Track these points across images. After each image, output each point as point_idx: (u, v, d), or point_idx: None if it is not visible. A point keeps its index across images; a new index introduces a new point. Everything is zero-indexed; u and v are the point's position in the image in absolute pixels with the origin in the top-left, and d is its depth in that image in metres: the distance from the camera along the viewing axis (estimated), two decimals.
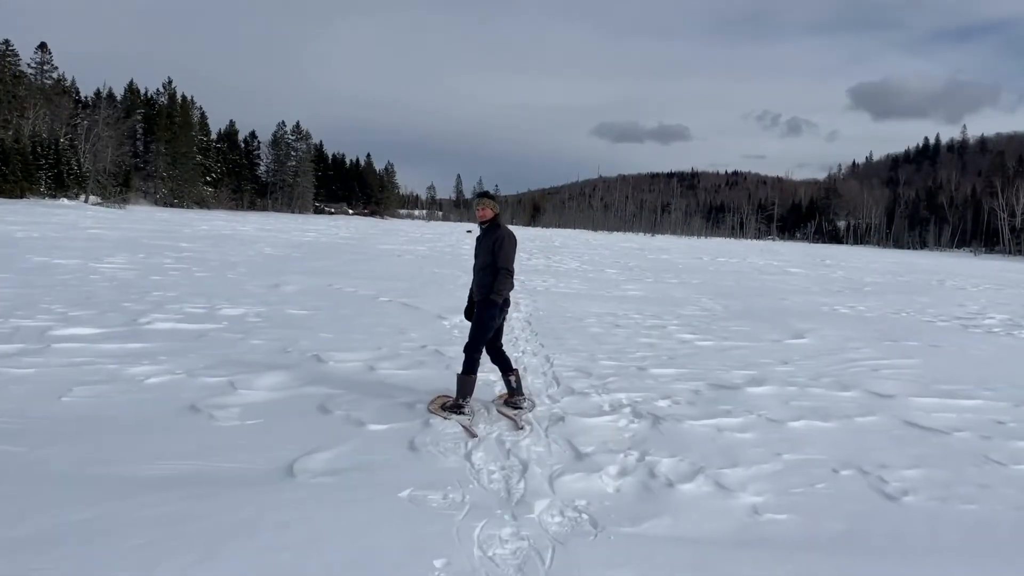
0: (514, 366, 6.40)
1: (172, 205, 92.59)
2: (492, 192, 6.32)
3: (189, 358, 6.90)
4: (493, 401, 6.09)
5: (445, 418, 5.46)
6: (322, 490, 3.91)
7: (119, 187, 79.42)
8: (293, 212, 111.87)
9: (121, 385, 5.81)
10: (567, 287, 17.79)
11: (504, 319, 5.88)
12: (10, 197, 66.42)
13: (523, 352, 8.39)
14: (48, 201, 69.28)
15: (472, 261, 5.92)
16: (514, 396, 5.90)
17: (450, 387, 6.05)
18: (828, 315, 14.44)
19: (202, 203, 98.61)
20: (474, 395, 5.74)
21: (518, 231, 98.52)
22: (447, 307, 11.52)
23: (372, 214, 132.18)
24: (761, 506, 4.14)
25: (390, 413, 5.51)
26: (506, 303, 5.75)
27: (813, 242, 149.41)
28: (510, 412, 5.72)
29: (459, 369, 5.72)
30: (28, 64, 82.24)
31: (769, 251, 65.05)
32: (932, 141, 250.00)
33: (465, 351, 5.68)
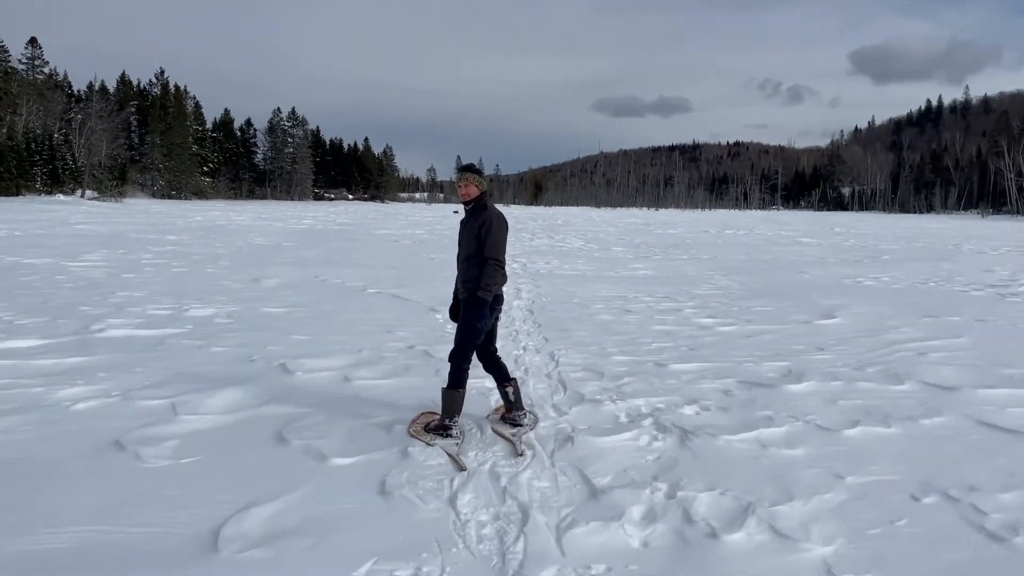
0: (512, 374, 5.43)
1: (170, 197, 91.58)
2: (477, 165, 5.17)
3: (134, 374, 5.92)
4: (488, 417, 5.11)
5: (428, 444, 4.48)
6: (250, 573, 2.94)
7: (115, 181, 78.40)
8: (293, 199, 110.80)
9: (39, 414, 4.84)
10: (572, 268, 16.77)
11: (497, 318, 4.89)
12: (5, 195, 65.54)
13: (524, 349, 7.39)
14: (44, 198, 68.34)
15: (456, 250, 4.92)
16: (512, 411, 4.91)
17: (438, 399, 5.07)
18: (853, 289, 13.40)
19: (200, 193, 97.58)
20: (464, 411, 4.76)
21: (520, 211, 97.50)
22: (440, 297, 10.52)
23: (372, 199, 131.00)
24: (835, 562, 3.16)
25: (361, 439, 4.53)
26: (498, 300, 4.76)
27: (818, 210, 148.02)
28: (508, 432, 4.73)
29: (445, 381, 4.73)
30: (19, 60, 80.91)
31: (776, 221, 63.86)
32: (935, 103, 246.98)
33: (450, 360, 4.70)
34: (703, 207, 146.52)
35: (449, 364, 4.71)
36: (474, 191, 4.78)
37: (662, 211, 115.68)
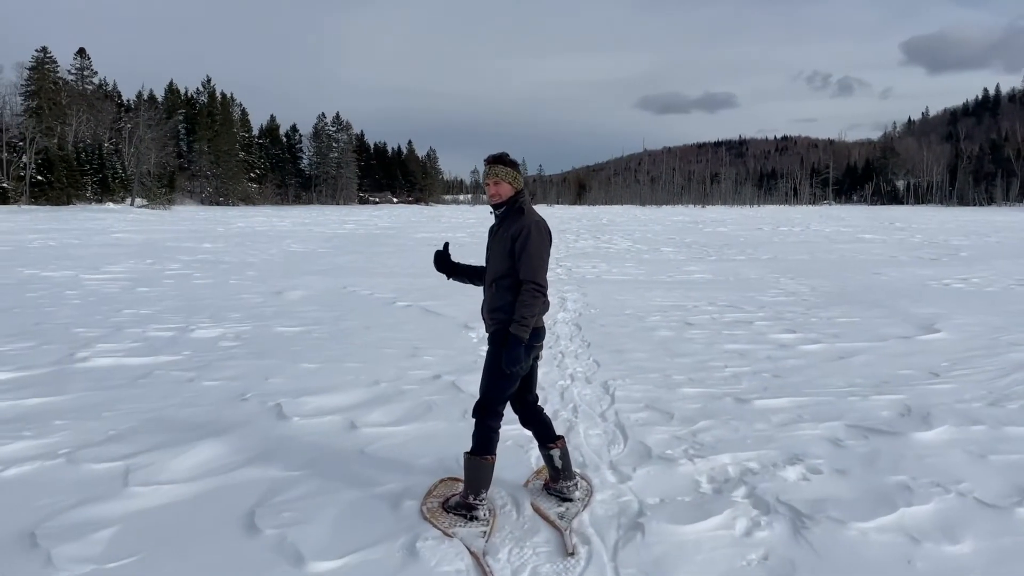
0: (557, 417, 4.24)
1: (217, 203, 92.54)
2: (510, 156, 3.77)
3: (97, 421, 4.88)
4: (527, 485, 3.91)
5: (446, 532, 3.31)
6: None
7: (164, 188, 79.36)
8: (337, 204, 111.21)
9: None
10: (621, 272, 15.48)
11: (538, 358, 3.71)
12: (57, 204, 66.65)
13: (571, 378, 6.18)
14: (94, 206, 69.41)
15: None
16: (559, 480, 3.72)
17: (462, 458, 3.90)
18: (944, 293, 11.85)
19: (247, 200, 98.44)
20: (496, 474, 3.59)
21: (564, 211, 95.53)
22: (476, 312, 9.35)
23: (416, 202, 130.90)
24: None
25: (355, 525, 3.38)
26: (537, 335, 3.57)
27: (872, 204, 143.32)
28: (554, 514, 3.53)
29: (469, 442, 3.56)
30: (68, 71, 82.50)
31: (830, 216, 61.32)
32: (992, 92, 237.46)
33: (475, 415, 3.54)
34: (751, 203, 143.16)
35: (473, 419, 3.55)
36: (506, 190, 3.60)
37: (709, 208, 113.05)
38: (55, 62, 78.17)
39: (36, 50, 76.17)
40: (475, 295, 5.58)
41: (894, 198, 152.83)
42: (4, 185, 65.21)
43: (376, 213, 69.93)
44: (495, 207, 3.66)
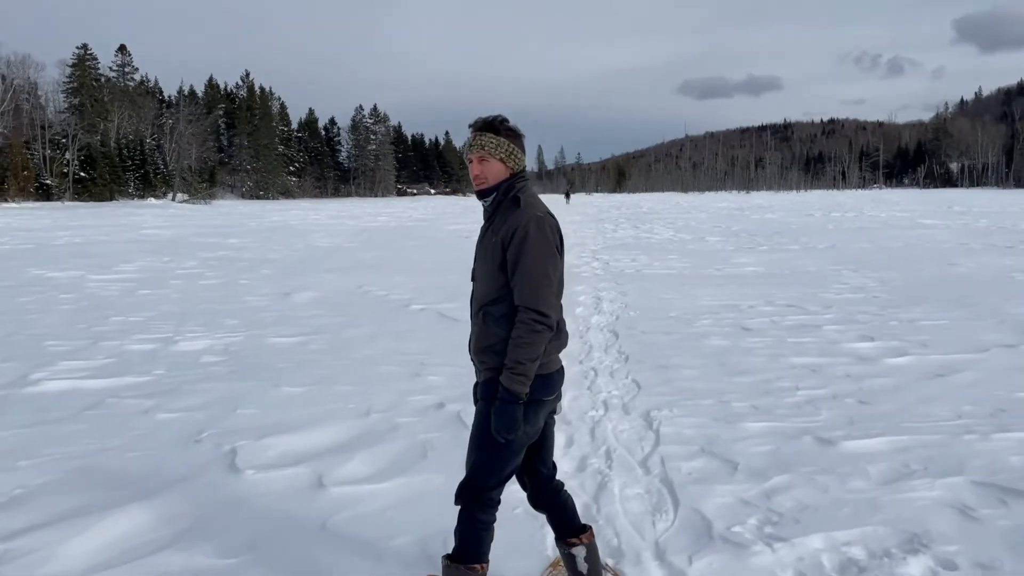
0: (587, 491, 3.14)
1: (257, 197, 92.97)
2: (508, 121, 2.54)
3: (11, 472, 3.90)
4: None
5: None
6: None
7: (205, 183, 79.87)
8: (376, 196, 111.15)
9: None
10: (663, 265, 14.23)
11: (555, 412, 2.60)
12: (100, 200, 67.44)
13: (605, 406, 5.03)
14: (136, 202, 70.12)
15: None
16: None
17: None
18: None
19: (287, 193, 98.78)
20: (495, 568, 2.49)
21: (603, 199, 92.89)
22: None
23: (453, 193, 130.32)
24: None
25: None
26: (549, 386, 2.47)
27: (924, 187, 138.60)
28: None
29: (451, 542, 2.47)
30: (109, 67, 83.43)
31: (883, 201, 58.82)
32: None
33: (459, 501, 2.46)
34: (798, 188, 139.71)
35: (457, 505, 2.46)
36: (496, 170, 2.50)
37: (754, 194, 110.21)
38: (96, 59, 79.11)
39: (77, 47, 77.22)
40: None
41: (947, 181, 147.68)
42: (48, 182, 66.14)
43: (412, 205, 69.28)
44: (482, 195, 2.55)
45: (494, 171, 2.48)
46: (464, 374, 5.83)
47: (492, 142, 2.47)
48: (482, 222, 2.62)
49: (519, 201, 2.44)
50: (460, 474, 3.74)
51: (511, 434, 2.32)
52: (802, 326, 7.83)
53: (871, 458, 3.99)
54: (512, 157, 2.49)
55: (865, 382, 5.55)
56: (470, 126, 2.54)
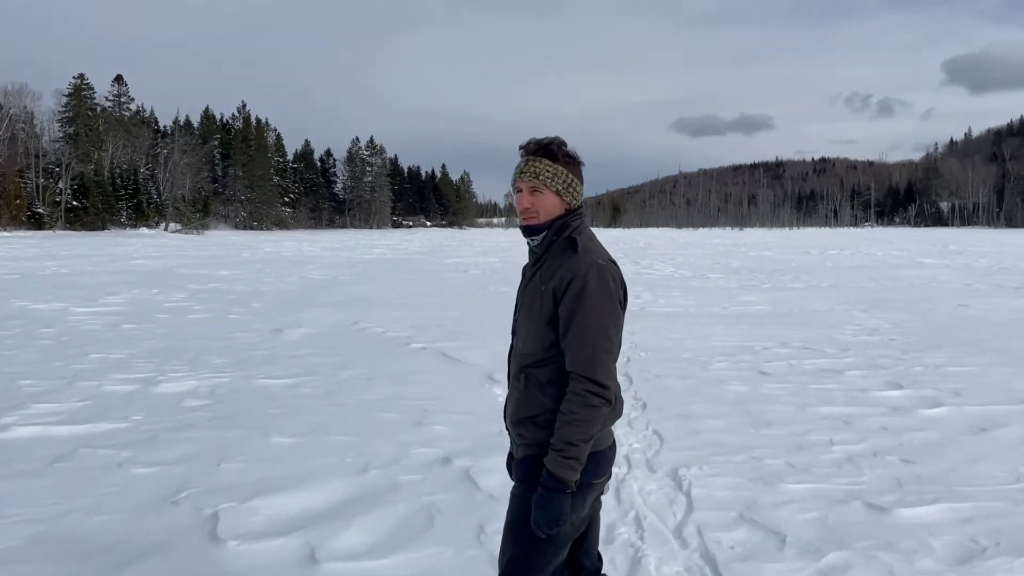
0: (617, 558, 2.68)
1: (251, 227, 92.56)
2: (565, 146, 2.11)
3: None
4: None
5: None
6: None
7: (198, 213, 79.47)
8: (371, 227, 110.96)
9: None
10: (668, 302, 13.86)
11: (604, 493, 2.19)
12: (92, 229, 66.90)
13: (627, 463, 4.59)
14: (128, 231, 69.58)
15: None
16: None
17: None
18: None
19: (281, 224, 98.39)
20: None
21: (599, 233, 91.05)
22: (502, 358, 7.83)
23: (450, 225, 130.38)
24: None
25: None
26: (599, 467, 2.07)
27: (916, 226, 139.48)
28: None
29: None
30: (106, 97, 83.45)
31: (878, 239, 58.94)
32: None
33: None
34: (790, 226, 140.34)
35: None
36: (551, 204, 2.10)
37: (747, 231, 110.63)
38: (92, 89, 79.10)
39: (74, 77, 77.18)
40: (502, 334, 3.98)
41: (938, 220, 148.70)
42: (40, 211, 65.65)
43: (408, 237, 69.05)
44: (530, 232, 2.14)
45: (548, 205, 2.08)
46: (471, 422, 5.40)
47: (548, 170, 2.07)
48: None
49: (576, 244, 2.04)
50: (472, 548, 3.31)
51: (555, 528, 1.90)
52: (823, 371, 7.42)
53: (932, 530, 3.55)
54: (570, 190, 2.10)
55: (904, 436, 5.13)
56: (521, 148, 2.13)
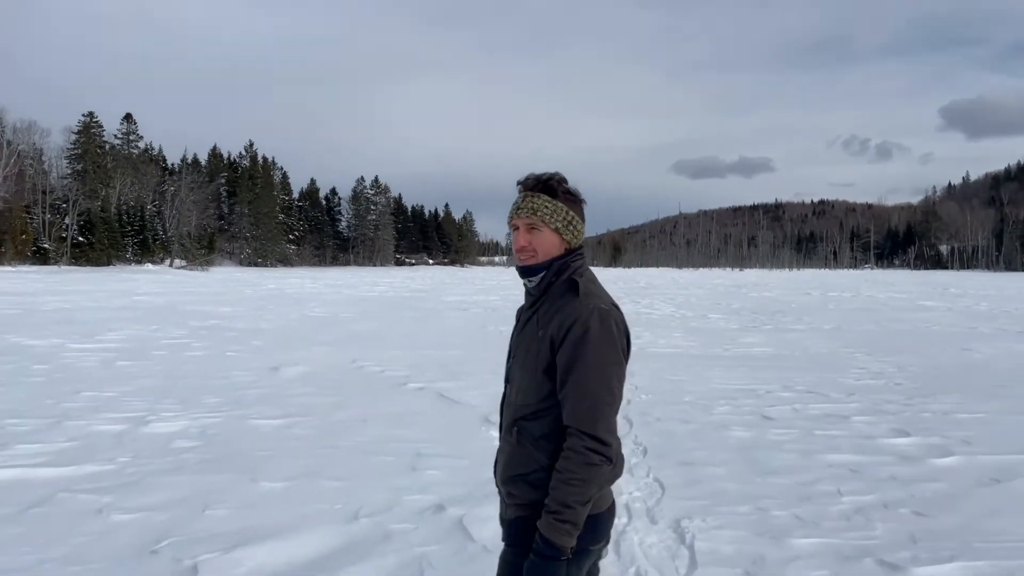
0: None
1: (256, 264, 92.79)
2: (565, 183, 2.01)
3: None
4: None
5: None
6: None
7: (203, 250, 79.75)
8: (374, 265, 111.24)
9: None
10: (668, 343, 13.71)
11: (598, 565, 2.04)
12: (97, 264, 67.06)
13: (627, 512, 4.41)
14: (133, 267, 69.76)
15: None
16: None
17: None
18: None
19: (285, 261, 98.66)
20: None
21: (599, 273, 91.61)
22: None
23: (452, 263, 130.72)
24: None
25: None
26: (598, 530, 1.93)
27: (915, 269, 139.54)
28: None
29: None
30: (114, 135, 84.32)
31: (878, 281, 58.84)
32: None
33: None
34: (790, 267, 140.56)
35: None
36: (549, 242, 1.99)
37: (747, 271, 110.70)
38: (101, 127, 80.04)
39: (83, 115, 78.11)
40: (501, 374, 3.81)
41: (938, 262, 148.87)
42: (45, 246, 65.94)
43: (410, 275, 69.09)
44: (527, 273, 2.02)
45: (546, 244, 1.97)
46: (466, 467, 5.23)
47: (547, 206, 1.96)
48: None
49: (577, 286, 1.92)
50: None
51: None
52: (828, 416, 7.25)
53: None
54: (571, 228, 1.99)
55: (915, 487, 4.95)
56: (519, 184, 2.03)
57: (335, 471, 5.14)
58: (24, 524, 4.10)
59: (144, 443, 5.91)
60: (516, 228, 1.99)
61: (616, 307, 1.95)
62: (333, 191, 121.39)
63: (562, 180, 2.01)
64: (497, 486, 2.07)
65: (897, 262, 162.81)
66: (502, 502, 2.07)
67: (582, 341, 1.84)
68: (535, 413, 1.93)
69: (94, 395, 7.84)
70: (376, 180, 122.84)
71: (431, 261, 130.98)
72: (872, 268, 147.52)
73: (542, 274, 1.97)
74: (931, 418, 7.16)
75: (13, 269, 54.62)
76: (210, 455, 5.56)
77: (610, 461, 1.86)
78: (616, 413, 1.91)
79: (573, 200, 2.00)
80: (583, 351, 1.84)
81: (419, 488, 4.78)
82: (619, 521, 4.23)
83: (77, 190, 69.92)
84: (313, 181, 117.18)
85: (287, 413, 7.06)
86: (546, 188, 1.98)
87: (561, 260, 1.98)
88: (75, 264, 65.55)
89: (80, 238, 68.70)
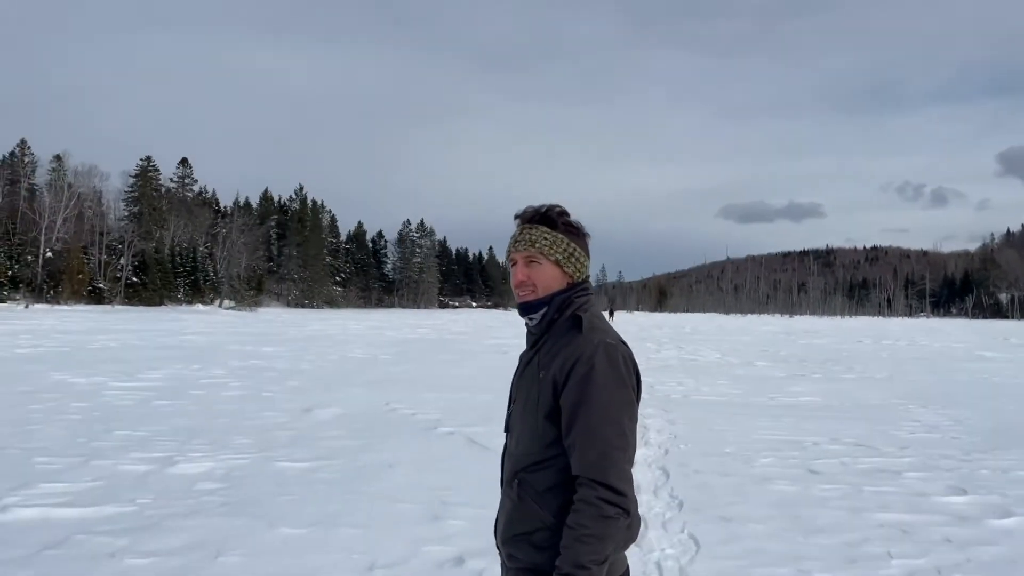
0: None
1: (303, 306, 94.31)
2: (565, 215, 1.90)
3: None
4: None
5: None
6: None
7: (252, 291, 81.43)
8: (418, 307, 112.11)
9: None
10: (712, 391, 13.31)
11: None
12: (149, 304, 68.92)
13: (657, 570, 4.15)
14: (183, 307, 71.50)
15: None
16: None
17: None
18: None
19: (331, 302, 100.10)
20: None
21: (645, 317, 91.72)
22: None
23: (495, 306, 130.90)
24: None
25: None
26: None
27: (973, 318, 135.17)
28: None
29: None
30: (170, 179, 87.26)
31: (934, 330, 56.97)
32: None
33: None
34: (841, 314, 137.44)
35: None
36: (550, 276, 1.85)
37: (797, 318, 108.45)
38: (158, 170, 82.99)
39: (141, 159, 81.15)
40: None
41: (997, 311, 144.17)
42: (100, 285, 68.08)
43: (453, 317, 69.36)
44: (527, 310, 1.88)
45: (546, 277, 1.83)
46: (490, 517, 4.99)
47: (546, 238, 1.83)
48: (523, 346, 1.97)
49: (581, 322, 1.77)
50: None
51: None
52: (878, 471, 6.86)
53: None
54: (572, 260, 1.85)
55: (971, 551, 4.58)
56: (517, 216, 1.91)
57: (355, 518, 4.99)
58: (36, 566, 4.02)
59: (168, 484, 5.84)
60: (515, 263, 1.86)
61: (623, 343, 1.79)
62: (380, 234, 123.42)
63: (563, 212, 1.88)
64: (497, 547, 1.90)
65: (954, 311, 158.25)
66: (503, 565, 1.89)
67: (588, 380, 1.68)
68: (538, 464, 1.77)
69: (126, 435, 7.85)
70: (422, 223, 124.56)
71: (474, 304, 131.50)
72: (928, 316, 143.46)
73: (543, 310, 1.83)
74: (990, 476, 6.72)
75: (69, 308, 56.39)
76: (232, 498, 5.46)
77: (627, 513, 1.67)
78: (630, 460, 1.74)
79: (575, 232, 1.87)
80: (589, 391, 1.68)
81: (440, 539, 4.59)
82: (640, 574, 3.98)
83: (133, 232, 72.29)
84: (360, 224, 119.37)
85: (315, 456, 6.95)
86: (545, 220, 1.85)
87: (563, 295, 1.83)
88: (128, 304, 67.44)
89: (134, 278, 70.79)
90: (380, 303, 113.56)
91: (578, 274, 1.86)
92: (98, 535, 4.54)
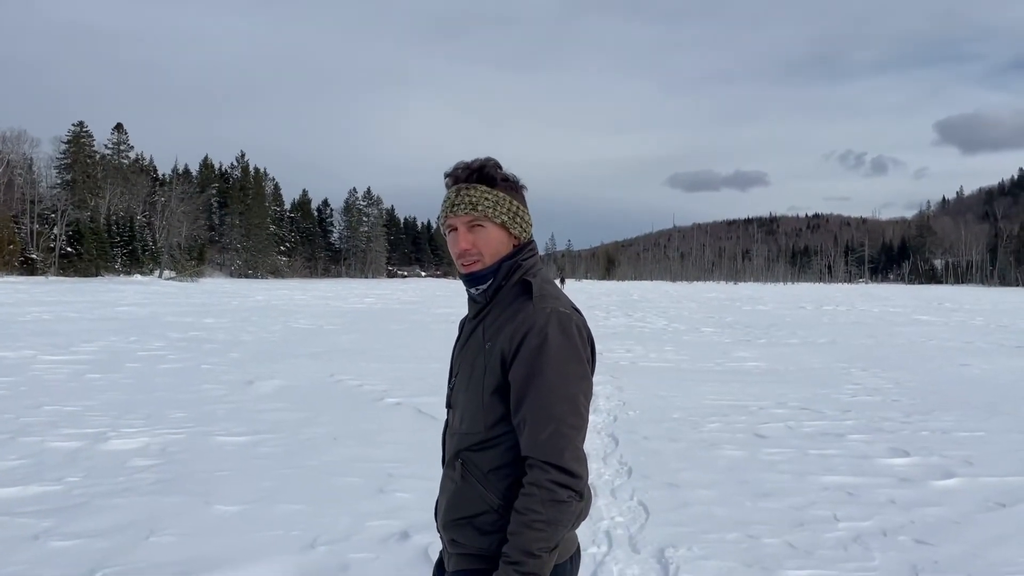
0: None
1: (246, 276, 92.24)
2: (501, 170, 1.69)
3: None
4: None
5: None
6: None
7: (193, 261, 79.21)
8: (366, 277, 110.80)
9: None
10: (660, 357, 13.41)
11: None
12: (85, 275, 66.44)
13: (607, 539, 4.09)
14: (121, 278, 69.15)
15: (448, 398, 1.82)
16: None
17: None
18: None
19: (276, 272, 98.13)
20: None
21: (593, 286, 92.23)
22: None
23: (444, 275, 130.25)
24: None
25: None
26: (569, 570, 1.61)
27: (909, 283, 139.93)
28: None
29: None
30: (105, 145, 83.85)
31: (872, 296, 58.73)
32: None
33: None
34: (784, 281, 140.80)
35: None
36: (495, 240, 1.67)
37: (741, 285, 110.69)
38: (92, 136, 79.57)
39: (73, 124, 77.67)
40: None
41: (932, 277, 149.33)
42: (33, 256, 65.34)
43: (401, 287, 68.72)
44: (473, 281, 1.70)
45: (492, 242, 1.65)
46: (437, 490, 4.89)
47: (488, 198, 1.65)
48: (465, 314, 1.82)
49: (531, 288, 1.61)
50: None
51: None
52: (823, 434, 6.96)
53: None
54: (518, 220, 1.68)
55: (915, 512, 4.65)
56: (447, 176, 1.72)
57: (296, 494, 4.81)
58: None
59: (99, 461, 5.56)
60: (453, 229, 1.68)
61: (577, 311, 1.65)
62: (325, 202, 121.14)
63: (497, 165, 1.70)
64: (438, 531, 1.76)
65: (892, 276, 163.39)
66: (443, 550, 1.76)
67: (540, 353, 1.54)
68: (483, 443, 1.62)
69: (55, 409, 7.48)
70: (368, 191, 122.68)
71: (423, 273, 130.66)
72: (867, 282, 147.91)
73: (489, 281, 1.66)
74: (930, 437, 6.87)
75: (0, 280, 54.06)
76: (166, 475, 5.22)
77: (580, 496, 1.55)
78: (584, 438, 1.60)
79: (514, 187, 1.70)
80: (542, 365, 1.53)
81: (385, 513, 4.45)
82: (599, 550, 3.91)
83: (66, 200, 69.41)
84: (305, 192, 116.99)
85: (254, 430, 6.71)
86: (483, 177, 1.67)
87: (511, 260, 1.67)
88: (63, 275, 64.93)
89: (68, 249, 68.13)
90: (327, 273, 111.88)
91: (524, 235, 1.70)
92: (21, 516, 4.27)
